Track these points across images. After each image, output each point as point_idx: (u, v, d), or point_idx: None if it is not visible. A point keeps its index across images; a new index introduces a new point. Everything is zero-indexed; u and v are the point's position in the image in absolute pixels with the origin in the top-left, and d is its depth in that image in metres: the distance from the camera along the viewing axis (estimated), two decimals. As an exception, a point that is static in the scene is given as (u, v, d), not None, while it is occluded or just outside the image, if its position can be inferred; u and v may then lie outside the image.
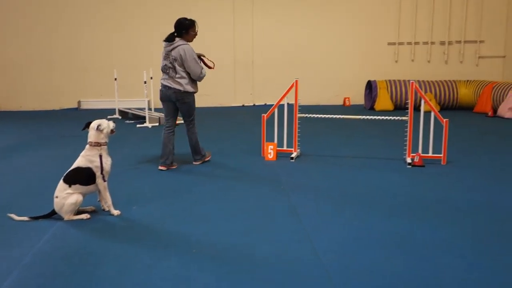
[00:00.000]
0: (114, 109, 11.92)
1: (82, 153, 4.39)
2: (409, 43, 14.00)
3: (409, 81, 12.40)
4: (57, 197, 4.25)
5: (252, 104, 14.13)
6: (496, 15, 13.83)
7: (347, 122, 9.98)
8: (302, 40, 13.88)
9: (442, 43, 13.99)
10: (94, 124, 4.38)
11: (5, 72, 13.30)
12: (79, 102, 13.45)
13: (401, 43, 14.00)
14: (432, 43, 13.98)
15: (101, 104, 13.27)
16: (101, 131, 4.37)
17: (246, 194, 5.09)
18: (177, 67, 6.07)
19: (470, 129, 9.46)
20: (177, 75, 6.08)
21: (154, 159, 6.74)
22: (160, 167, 6.21)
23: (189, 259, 3.47)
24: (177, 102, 6.18)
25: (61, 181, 4.30)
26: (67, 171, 4.36)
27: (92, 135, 4.37)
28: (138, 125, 10.05)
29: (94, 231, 4.04)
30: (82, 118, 11.42)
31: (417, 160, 6.25)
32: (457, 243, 3.73)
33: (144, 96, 10.55)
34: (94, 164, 4.34)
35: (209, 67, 6.37)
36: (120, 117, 11.51)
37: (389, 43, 14.01)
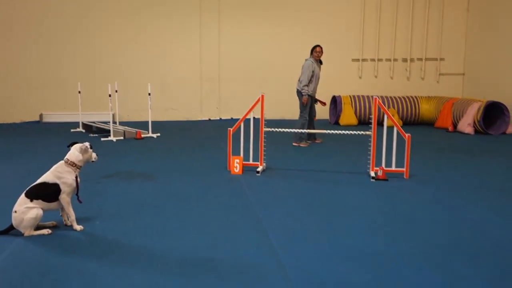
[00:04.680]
0: (78, 122, 11.72)
1: (52, 169, 4.30)
2: (373, 60, 14.33)
3: (372, 96, 12.67)
4: (16, 211, 4.13)
5: (218, 118, 14.14)
6: (456, 34, 14.33)
7: (312, 137, 10.06)
8: (268, 56, 14.02)
9: (404, 60, 14.37)
10: (79, 145, 4.40)
11: (-37, 84, 12.94)
12: (41, 115, 13.16)
13: (364, 60, 14.32)
14: (395, 60, 14.35)
15: (65, 117, 13.03)
16: (83, 154, 4.36)
17: (211, 208, 5.07)
18: (300, 76, 9.05)
19: (432, 144, 9.70)
20: (299, 81, 9.08)
21: (118, 173, 6.64)
22: (293, 143, 9.04)
23: (153, 274, 3.42)
24: (298, 98, 9.10)
25: (23, 195, 4.18)
26: (31, 185, 4.24)
27: (72, 154, 4.34)
28: (102, 139, 9.90)
29: (56, 247, 3.94)
30: (44, 131, 11.19)
31: (381, 174, 6.36)
32: (417, 256, 3.79)
33: (109, 109, 10.42)
34: (62, 181, 4.25)
35: (323, 104, 9.39)
36: (84, 131, 11.32)
37: (353, 60, 14.30)
